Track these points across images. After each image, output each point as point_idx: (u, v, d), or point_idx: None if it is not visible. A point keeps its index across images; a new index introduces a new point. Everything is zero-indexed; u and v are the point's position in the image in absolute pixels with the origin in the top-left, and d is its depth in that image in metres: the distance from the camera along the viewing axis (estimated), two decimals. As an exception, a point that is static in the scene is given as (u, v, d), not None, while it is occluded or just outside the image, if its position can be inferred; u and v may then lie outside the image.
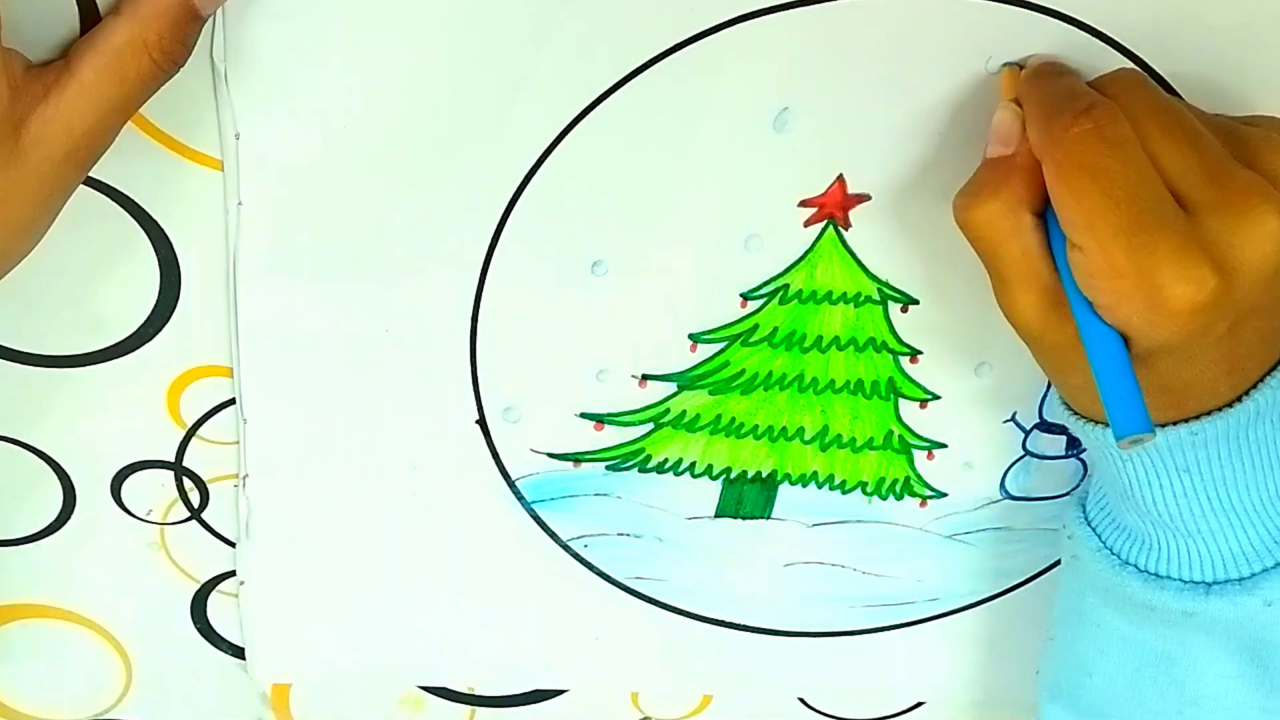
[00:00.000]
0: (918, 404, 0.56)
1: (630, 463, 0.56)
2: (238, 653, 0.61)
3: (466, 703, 0.65)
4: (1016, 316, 0.46)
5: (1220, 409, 0.45)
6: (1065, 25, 0.47)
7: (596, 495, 0.57)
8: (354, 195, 0.48)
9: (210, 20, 0.43)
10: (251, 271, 0.50)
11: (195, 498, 0.56)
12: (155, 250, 0.49)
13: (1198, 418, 0.45)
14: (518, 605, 0.60)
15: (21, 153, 0.41)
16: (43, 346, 0.52)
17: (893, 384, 0.55)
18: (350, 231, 0.49)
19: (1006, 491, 0.59)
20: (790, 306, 0.53)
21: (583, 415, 0.55)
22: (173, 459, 0.55)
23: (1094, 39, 0.47)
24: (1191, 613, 0.48)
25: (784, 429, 0.56)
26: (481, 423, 0.55)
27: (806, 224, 0.51)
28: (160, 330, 0.51)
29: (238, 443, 0.54)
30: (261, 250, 0.49)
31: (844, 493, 0.58)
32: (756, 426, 0.56)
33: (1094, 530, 0.50)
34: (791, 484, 0.57)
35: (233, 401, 0.54)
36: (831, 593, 0.61)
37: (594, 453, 0.56)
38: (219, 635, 0.61)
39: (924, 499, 0.58)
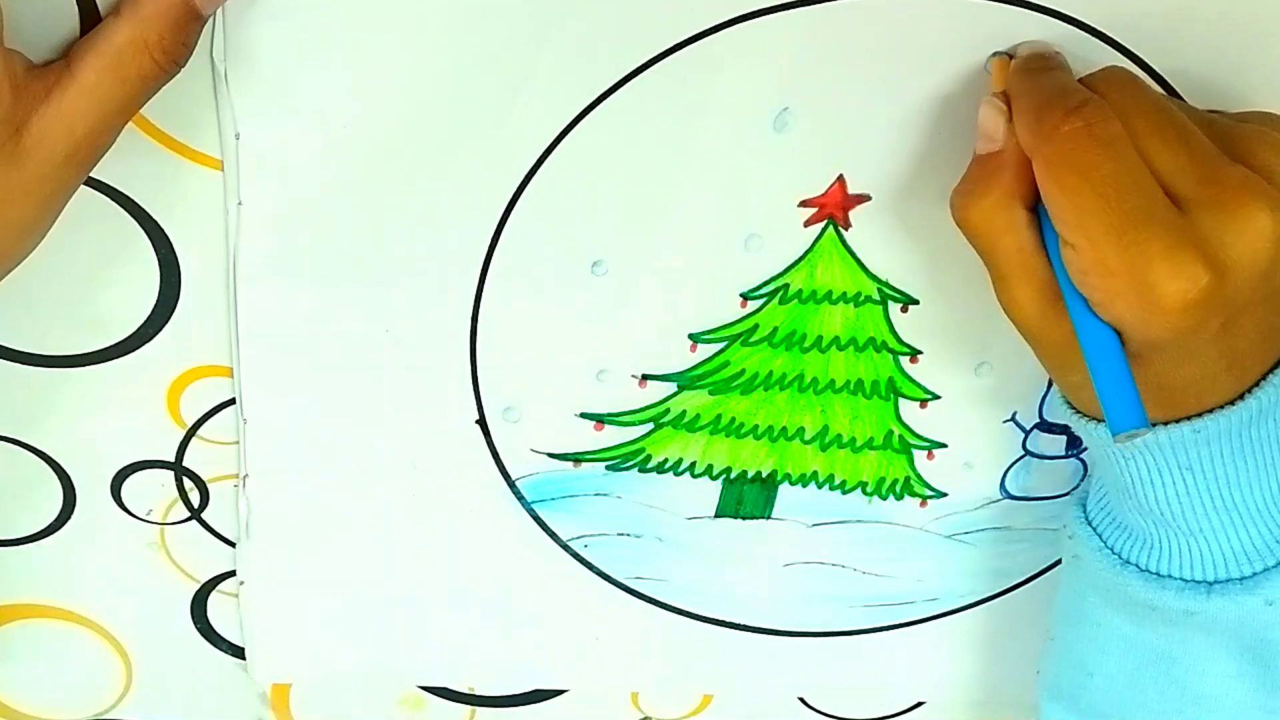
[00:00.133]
0: (918, 404, 0.56)
1: (630, 463, 0.56)
2: (238, 653, 0.61)
3: (466, 703, 0.65)
4: (1015, 312, 0.46)
5: (1222, 407, 0.45)
6: (1065, 24, 0.47)
7: (596, 495, 0.57)
8: (354, 195, 0.48)
9: (210, 20, 0.43)
10: (251, 271, 0.50)
11: (195, 498, 0.56)
12: (155, 250, 0.49)
13: (1200, 415, 0.45)
14: (518, 605, 0.60)
15: (23, 153, 0.41)
16: (43, 346, 0.52)
17: (893, 384, 0.55)
18: (350, 231, 0.49)
19: (1006, 491, 0.59)
20: (790, 306, 0.53)
21: (583, 415, 0.55)
22: (173, 459, 0.55)
23: (1092, 38, 0.47)
24: (1193, 612, 0.48)
25: (784, 429, 0.56)
26: (481, 423, 0.55)
27: (806, 224, 0.51)
28: (160, 330, 0.51)
29: (238, 443, 0.54)
30: (261, 250, 0.49)
31: (844, 493, 0.58)
32: (756, 426, 0.56)
33: (1095, 530, 0.50)
34: (791, 484, 0.57)
35: (233, 401, 0.54)
36: (831, 593, 0.61)
37: (594, 453, 0.56)
38: (219, 635, 0.61)
39: (924, 499, 0.58)
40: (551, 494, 0.57)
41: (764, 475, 0.57)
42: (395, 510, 0.57)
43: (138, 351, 0.52)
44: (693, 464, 0.57)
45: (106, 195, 0.48)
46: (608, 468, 0.56)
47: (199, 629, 0.61)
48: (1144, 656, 0.50)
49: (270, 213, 0.48)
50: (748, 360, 0.54)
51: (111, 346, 0.52)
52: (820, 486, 0.58)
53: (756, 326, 0.53)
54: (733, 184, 0.50)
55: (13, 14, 0.41)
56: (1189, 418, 0.45)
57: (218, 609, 0.60)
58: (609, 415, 0.55)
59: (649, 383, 0.54)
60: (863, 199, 0.50)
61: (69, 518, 0.57)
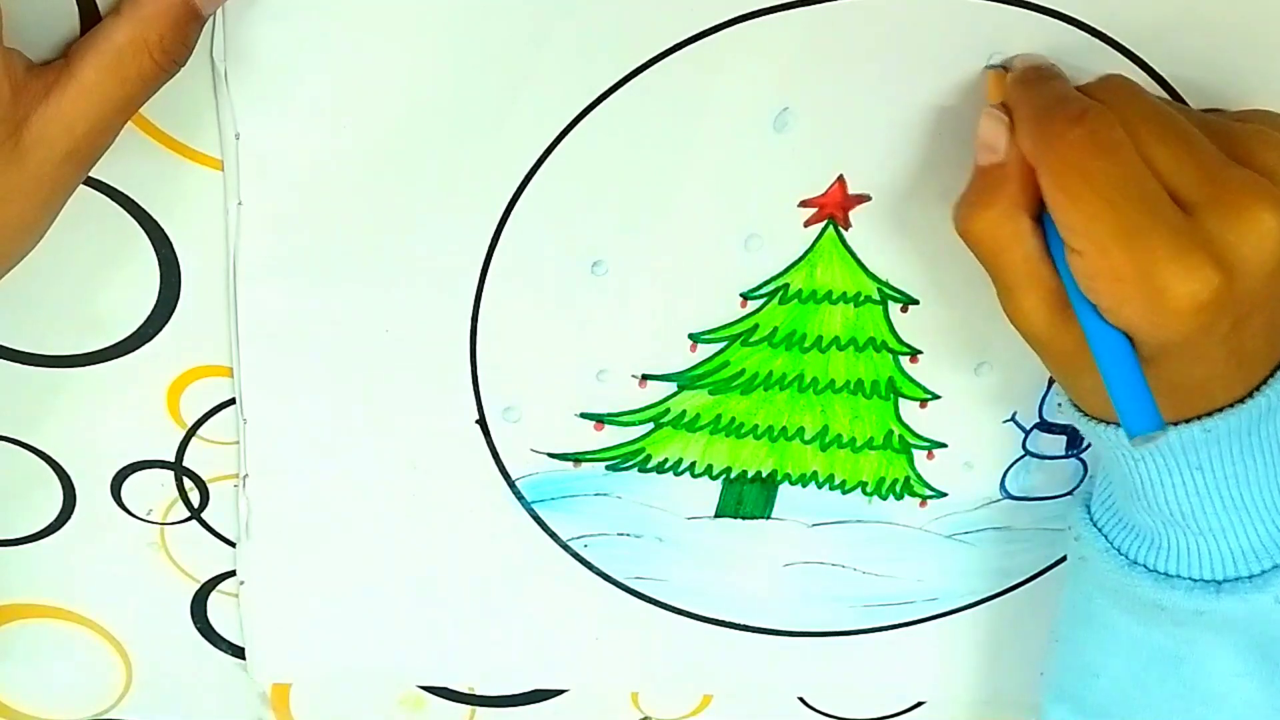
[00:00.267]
0: (918, 404, 0.56)
1: (630, 463, 0.56)
2: (238, 653, 0.61)
3: (466, 703, 0.65)
4: (1023, 322, 0.46)
5: (1231, 405, 0.45)
6: (1065, 25, 0.47)
7: (596, 495, 0.57)
8: (354, 195, 0.48)
9: (210, 20, 0.43)
10: (251, 271, 0.50)
11: (195, 498, 0.56)
12: (155, 250, 0.49)
13: (1209, 415, 0.45)
14: (518, 605, 0.60)
15: (22, 152, 0.41)
16: (43, 346, 0.52)
17: (893, 384, 0.55)
18: (350, 231, 0.49)
19: (1006, 491, 0.59)
20: (790, 306, 0.53)
21: (583, 415, 0.55)
22: (173, 459, 0.55)
23: (1093, 39, 0.47)
24: (1202, 611, 0.48)
25: (784, 429, 0.56)
26: (481, 423, 0.55)
27: (806, 224, 0.51)
28: (160, 330, 0.51)
29: (238, 443, 0.54)
30: (261, 250, 0.49)
31: (844, 493, 0.58)
32: (756, 426, 0.56)
33: (1100, 531, 0.50)
34: (791, 484, 0.57)
35: (233, 401, 0.54)
36: (831, 593, 0.61)
37: (594, 453, 0.56)
38: (219, 635, 0.61)
39: (924, 499, 0.58)
40: (551, 494, 0.57)
41: (764, 475, 0.57)
42: (395, 510, 0.57)
43: (138, 351, 0.52)
44: (693, 464, 0.57)
45: (106, 195, 0.48)
46: (608, 468, 0.56)
47: (199, 629, 0.61)
48: (1151, 657, 0.50)
49: (270, 213, 0.48)
50: (748, 360, 0.54)
51: (111, 346, 0.52)
52: (820, 486, 0.58)
53: (756, 326, 0.53)
54: (733, 184, 0.50)
55: (13, 13, 0.41)
56: (1198, 417, 0.45)
57: (218, 609, 0.60)
58: (609, 415, 0.55)
59: (649, 383, 0.54)
60: (863, 199, 0.50)
61: (69, 518, 0.57)
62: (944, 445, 0.57)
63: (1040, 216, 0.44)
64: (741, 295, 0.53)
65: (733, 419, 0.56)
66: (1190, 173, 0.43)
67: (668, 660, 0.63)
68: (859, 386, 0.55)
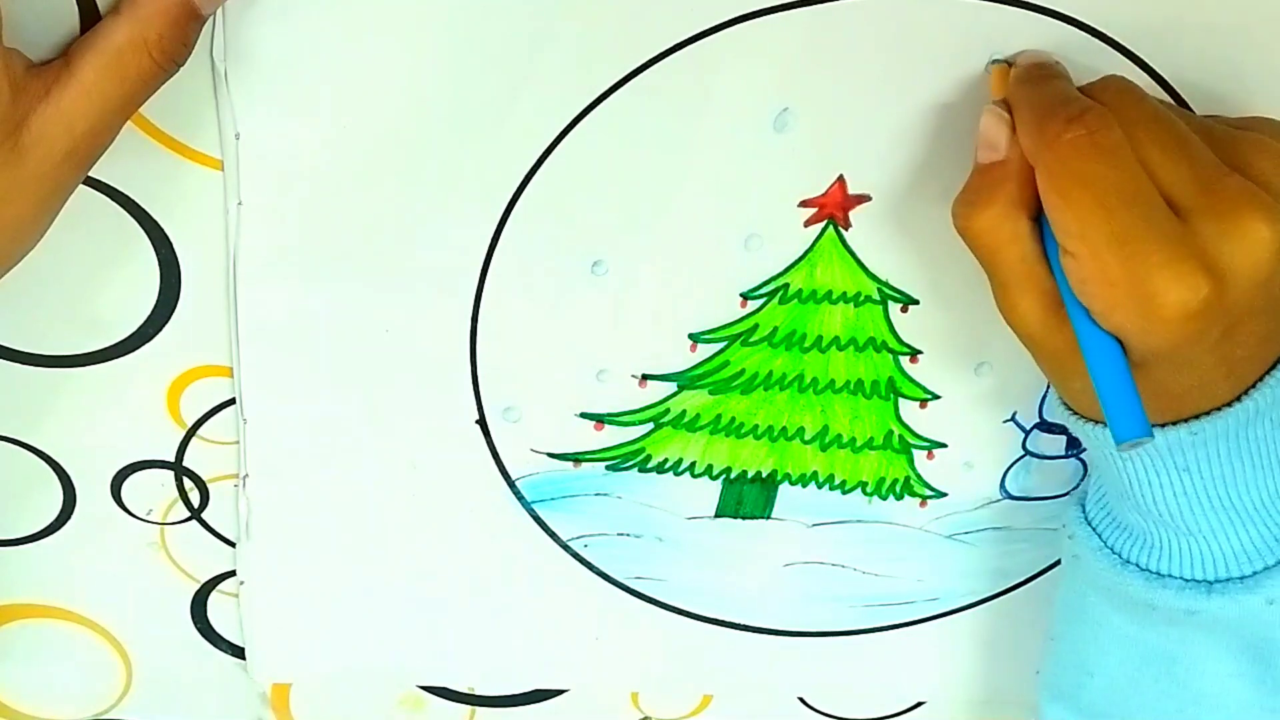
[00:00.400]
0: (918, 404, 0.56)
1: (630, 463, 0.56)
2: (238, 653, 0.61)
3: (466, 703, 0.65)
4: (1017, 321, 0.46)
5: (1219, 408, 0.45)
6: (1065, 25, 0.47)
7: (596, 495, 0.57)
8: (354, 195, 0.48)
9: (210, 20, 0.43)
10: (251, 271, 0.50)
11: (195, 498, 0.56)
12: (155, 250, 0.49)
13: (1197, 417, 0.45)
14: (518, 605, 0.60)
15: (22, 152, 0.41)
16: (43, 346, 0.52)
17: (893, 384, 0.55)
18: (350, 231, 0.49)
19: (1006, 491, 0.59)
20: (790, 306, 0.53)
21: (583, 415, 0.55)
22: (173, 459, 0.55)
23: (1093, 39, 0.47)
24: (1193, 611, 0.48)
25: (784, 429, 0.56)
26: (481, 423, 0.55)
27: (806, 224, 0.51)
28: (160, 330, 0.51)
29: (238, 443, 0.54)
30: (261, 250, 0.49)
31: (844, 493, 0.58)
32: (756, 426, 0.56)
33: (1094, 530, 0.50)
34: (791, 484, 0.57)
35: (233, 401, 0.54)
36: (831, 593, 0.61)
37: (594, 453, 0.56)
38: (219, 635, 0.61)
39: (924, 499, 0.58)
40: (551, 494, 0.57)
41: (764, 475, 0.57)
42: (395, 510, 0.57)
43: (138, 351, 0.52)
44: (693, 464, 0.57)
45: (106, 195, 0.48)
46: (608, 468, 0.56)
47: (199, 629, 0.61)
48: (1145, 656, 0.50)
49: (270, 213, 0.48)
50: (748, 360, 0.54)
51: (111, 346, 0.52)
52: (820, 486, 0.58)
53: (756, 326, 0.53)
54: (733, 184, 0.50)
55: (12, 13, 0.41)
56: (1186, 420, 0.45)
57: (218, 609, 0.60)
58: (609, 415, 0.55)
59: (649, 383, 0.54)
60: (863, 199, 0.50)
61: (69, 518, 0.57)
62: (944, 445, 0.57)
63: (1039, 217, 0.44)
64: (741, 295, 0.53)
65: (733, 419, 0.56)
66: (1186, 179, 0.42)
67: (668, 660, 0.63)
68: (859, 386, 0.55)
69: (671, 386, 0.55)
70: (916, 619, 0.62)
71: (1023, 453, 0.58)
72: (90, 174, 0.44)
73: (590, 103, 0.47)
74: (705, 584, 0.60)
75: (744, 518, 0.58)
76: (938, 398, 0.56)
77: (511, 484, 0.56)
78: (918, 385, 0.55)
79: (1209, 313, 0.42)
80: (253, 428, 0.54)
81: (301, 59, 0.45)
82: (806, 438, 0.56)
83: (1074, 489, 0.59)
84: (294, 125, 0.47)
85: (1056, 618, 0.54)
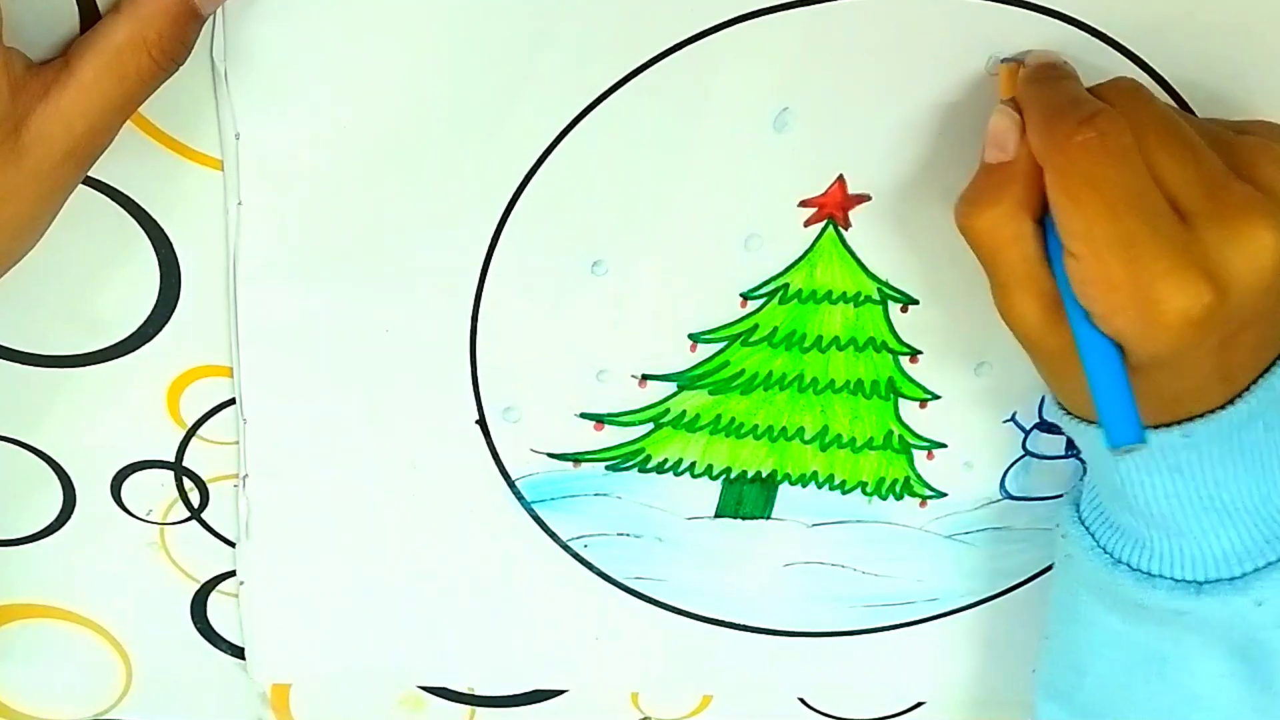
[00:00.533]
0: (918, 404, 0.56)
1: (630, 463, 0.56)
2: (238, 653, 0.61)
3: (466, 703, 0.65)
4: (1015, 321, 0.46)
5: (1212, 411, 0.45)
6: (1065, 25, 0.47)
7: (596, 495, 0.57)
8: (354, 195, 0.48)
9: (210, 20, 0.43)
10: (251, 271, 0.50)
11: (195, 498, 0.56)
12: (155, 250, 0.49)
13: (1190, 420, 0.45)
14: (518, 605, 0.60)
15: (22, 151, 0.41)
16: (43, 346, 0.52)
17: (893, 384, 0.55)
18: (350, 231, 0.49)
19: (1006, 491, 0.59)
20: (790, 306, 0.53)
21: (583, 415, 0.55)
22: (173, 459, 0.55)
23: (1094, 39, 0.47)
24: (1183, 612, 0.48)
25: (784, 429, 0.56)
26: (481, 423, 0.55)
27: (806, 224, 0.51)
28: (160, 330, 0.51)
29: (238, 443, 0.54)
30: (261, 250, 0.49)
31: (844, 493, 0.58)
32: (756, 426, 0.56)
33: (1087, 529, 0.51)
34: (791, 484, 0.57)
35: (233, 401, 0.54)
36: (831, 593, 0.61)
37: (594, 453, 0.56)
38: (219, 635, 0.61)
39: (924, 499, 0.58)
40: (551, 494, 0.57)
41: (764, 475, 0.57)
42: (395, 510, 0.57)
43: (138, 351, 0.52)
44: (693, 464, 0.57)
45: (106, 195, 0.48)
46: (608, 468, 0.56)
47: (199, 629, 0.61)
48: (1136, 656, 0.50)
49: (270, 213, 0.48)
50: (748, 360, 0.54)
51: (111, 346, 0.52)
52: (820, 486, 0.58)
53: (756, 326, 0.53)
54: (733, 184, 0.50)
55: (12, 13, 0.41)
56: (1179, 421, 0.45)
57: (218, 609, 0.60)
58: (609, 415, 0.55)
59: (649, 383, 0.54)
60: (863, 199, 0.50)
61: (69, 518, 0.57)
62: (944, 445, 0.57)
63: (1042, 219, 0.44)
64: (741, 295, 0.53)
65: (733, 419, 0.56)
66: (1193, 183, 0.42)
67: (668, 660, 0.63)
68: (859, 386, 0.55)
69: (671, 387, 0.55)
70: (916, 619, 0.62)
71: (1023, 453, 0.58)
72: (90, 174, 0.44)
73: (590, 103, 0.47)
74: (705, 584, 0.60)
75: (744, 518, 0.58)
76: (938, 398, 0.56)
77: (511, 484, 0.56)
78: (918, 385, 0.55)
79: (1210, 320, 0.42)
80: (253, 428, 0.54)
81: (301, 59, 0.45)
82: (806, 438, 0.56)
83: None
84: (294, 125, 0.47)
85: (1050, 617, 0.54)
